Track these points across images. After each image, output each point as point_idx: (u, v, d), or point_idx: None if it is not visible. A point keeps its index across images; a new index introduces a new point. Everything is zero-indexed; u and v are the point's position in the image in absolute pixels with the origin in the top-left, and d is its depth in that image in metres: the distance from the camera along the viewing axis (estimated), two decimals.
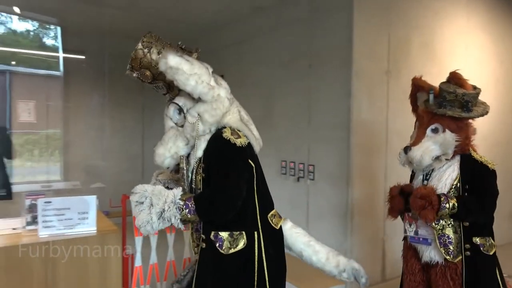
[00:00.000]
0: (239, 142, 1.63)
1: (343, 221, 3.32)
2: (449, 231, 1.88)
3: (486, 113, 1.91)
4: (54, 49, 5.29)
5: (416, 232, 1.95)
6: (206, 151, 1.68)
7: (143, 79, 1.73)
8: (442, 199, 1.81)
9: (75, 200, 2.06)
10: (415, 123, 2.08)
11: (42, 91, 5.07)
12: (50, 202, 2.02)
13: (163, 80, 1.70)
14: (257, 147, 1.79)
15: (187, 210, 1.58)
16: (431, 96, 1.92)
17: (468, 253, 1.85)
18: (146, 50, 1.71)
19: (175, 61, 1.59)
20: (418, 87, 2.01)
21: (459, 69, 1.93)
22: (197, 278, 1.70)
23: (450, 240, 1.87)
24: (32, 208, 2.06)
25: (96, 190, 4.82)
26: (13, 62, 5.59)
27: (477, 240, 1.86)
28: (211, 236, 1.62)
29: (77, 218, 2.05)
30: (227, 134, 1.64)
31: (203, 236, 1.66)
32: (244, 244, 1.62)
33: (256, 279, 1.62)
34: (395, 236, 3.57)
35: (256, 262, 1.63)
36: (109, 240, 2.07)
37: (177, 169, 1.78)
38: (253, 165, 1.70)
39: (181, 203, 1.57)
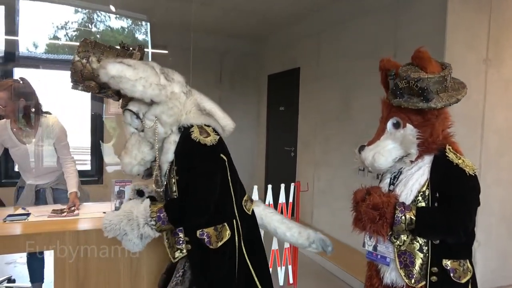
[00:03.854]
0: (209, 140, 1.58)
1: None
2: (412, 249, 1.46)
3: (456, 101, 1.42)
4: (145, 44, 5.67)
5: (375, 248, 1.55)
6: (176, 153, 1.63)
7: (89, 90, 1.65)
8: (397, 210, 1.42)
9: None
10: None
11: None
12: None
13: (110, 87, 1.59)
14: (224, 134, 1.75)
15: (160, 222, 1.58)
16: (391, 83, 1.50)
17: (434, 278, 1.42)
18: (84, 61, 1.62)
19: (115, 69, 1.48)
20: (386, 71, 1.55)
21: (423, 46, 1.46)
22: (195, 280, 1.66)
23: (412, 260, 1.46)
24: (120, 194, 2.20)
25: None
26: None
27: (447, 263, 1.43)
28: (197, 235, 1.62)
29: None
30: (196, 134, 1.58)
31: (186, 238, 1.64)
32: (229, 235, 1.65)
33: (237, 262, 1.66)
34: (488, 245, 3.24)
35: (236, 248, 1.67)
36: None
37: (148, 173, 1.76)
38: (225, 158, 1.67)
39: (153, 222, 1.58)
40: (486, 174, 3.17)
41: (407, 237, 1.47)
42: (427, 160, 1.48)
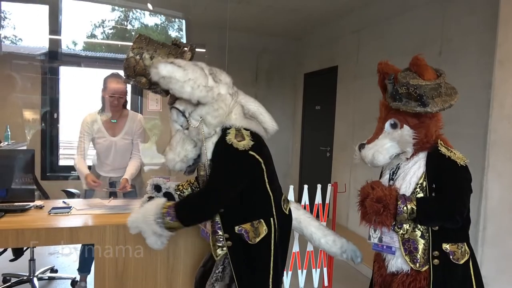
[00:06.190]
0: (242, 145, 1.61)
1: (472, 231, 2.91)
2: (414, 236, 1.59)
3: (449, 106, 1.55)
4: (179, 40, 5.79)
5: (380, 239, 1.67)
6: (213, 153, 1.69)
7: (140, 85, 1.71)
8: (399, 202, 1.54)
9: None
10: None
11: None
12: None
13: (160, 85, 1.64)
14: (267, 135, 1.79)
15: (169, 218, 1.63)
16: (390, 86, 1.62)
17: (436, 261, 1.55)
18: (138, 57, 1.67)
19: (166, 70, 1.52)
20: (384, 74, 1.66)
21: (422, 53, 1.57)
22: (237, 275, 1.70)
23: (415, 246, 1.58)
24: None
25: None
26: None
27: (447, 247, 1.56)
28: (236, 231, 1.66)
29: None
30: (230, 137, 1.62)
31: (226, 235, 1.69)
32: (266, 231, 1.68)
33: (272, 258, 1.70)
34: None
35: (272, 244, 1.70)
36: None
37: (190, 170, 1.83)
38: (261, 160, 1.67)
39: (160, 220, 1.63)
40: None
41: (410, 226, 1.59)
42: (422, 155, 1.61)
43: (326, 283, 3.06)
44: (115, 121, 2.76)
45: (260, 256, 1.70)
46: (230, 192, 1.65)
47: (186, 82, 1.54)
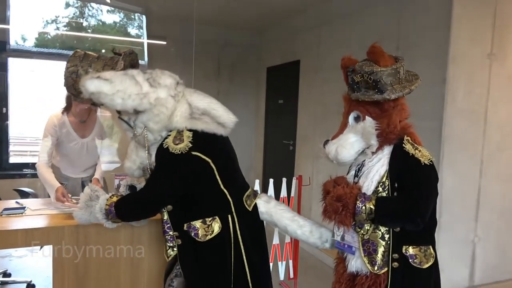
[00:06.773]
0: (178, 148, 1.58)
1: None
2: (375, 237, 1.51)
3: (409, 92, 1.48)
4: (138, 38, 5.58)
5: (342, 237, 1.62)
6: (155, 158, 1.71)
7: (85, 102, 1.76)
8: (358, 201, 1.47)
9: None
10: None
11: None
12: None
13: None
14: (225, 131, 1.72)
15: (111, 215, 1.69)
16: (350, 78, 1.56)
17: (395, 264, 1.48)
18: (74, 76, 1.68)
19: (93, 85, 1.52)
20: (346, 69, 1.58)
21: (377, 41, 1.50)
22: (185, 274, 1.71)
23: (374, 248, 1.51)
24: (120, 187, 2.15)
25: None
26: (103, 51, 6.03)
27: (408, 249, 1.49)
28: (184, 228, 1.64)
29: None
30: (167, 140, 1.61)
31: (176, 233, 1.68)
32: (219, 228, 1.63)
33: (232, 261, 1.65)
34: (488, 240, 3.24)
35: (232, 244, 1.65)
36: None
37: None
38: (208, 159, 1.63)
39: (106, 215, 1.70)
40: (487, 169, 3.16)
41: (370, 226, 1.52)
42: (387, 151, 1.53)
43: (291, 275, 3.10)
44: (84, 121, 2.61)
45: (212, 256, 1.64)
46: (164, 195, 1.66)
47: (115, 94, 1.53)
